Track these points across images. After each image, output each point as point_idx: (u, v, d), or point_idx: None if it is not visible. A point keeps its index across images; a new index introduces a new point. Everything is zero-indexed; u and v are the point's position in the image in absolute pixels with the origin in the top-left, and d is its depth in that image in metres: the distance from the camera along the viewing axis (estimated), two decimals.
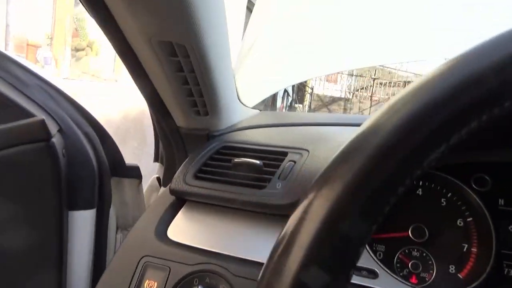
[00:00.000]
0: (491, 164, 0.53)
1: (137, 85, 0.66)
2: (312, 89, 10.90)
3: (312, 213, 0.21)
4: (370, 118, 0.24)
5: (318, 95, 10.78)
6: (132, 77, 0.64)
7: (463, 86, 0.21)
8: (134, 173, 0.90)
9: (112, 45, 0.56)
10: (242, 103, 0.86)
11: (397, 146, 0.21)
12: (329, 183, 0.22)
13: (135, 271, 0.51)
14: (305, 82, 10.65)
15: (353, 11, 0.88)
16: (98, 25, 0.51)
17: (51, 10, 5.62)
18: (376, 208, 0.21)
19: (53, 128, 0.68)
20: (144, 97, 0.69)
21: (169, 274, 0.50)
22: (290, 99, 8.92)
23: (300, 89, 10.31)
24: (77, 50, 6.13)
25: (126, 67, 0.61)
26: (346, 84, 10.59)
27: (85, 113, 0.84)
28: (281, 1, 0.97)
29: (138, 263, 0.52)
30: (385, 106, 0.24)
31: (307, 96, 10.51)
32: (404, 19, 0.84)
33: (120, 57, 0.59)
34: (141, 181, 0.91)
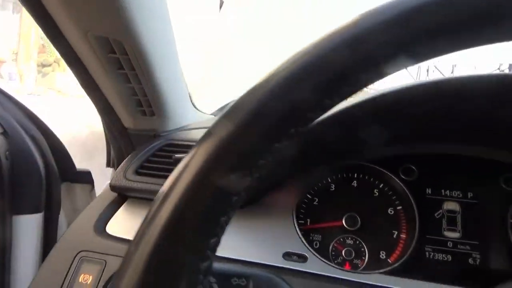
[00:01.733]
0: (418, 156, 0.57)
1: (81, 86, 0.65)
2: None
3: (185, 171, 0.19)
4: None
5: None
6: (76, 77, 0.63)
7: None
8: (86, 178, 0.89)
9: (51, 42, 0.56)
10: (197, 109, 0.87)
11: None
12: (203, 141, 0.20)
13: (70, 266, 0.51)
14: None
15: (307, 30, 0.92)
16: (35, 21, 0.51)
17: (17, 26, 5.51)
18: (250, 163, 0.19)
19: None
20: (90, 98, 0.69)
21: (104, 267, 0.50)
22: None
23: None
24: (43, 66, 5.98)
25: (69, 66, 0.61)
26: None
27: (33, 117, 0.82)
28: (240, 17, 1.01)
29: (74, 258, 0.51)
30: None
31: None
32: None
33: (62, 56, 0.59)
34: (93, 186, 0.90)
